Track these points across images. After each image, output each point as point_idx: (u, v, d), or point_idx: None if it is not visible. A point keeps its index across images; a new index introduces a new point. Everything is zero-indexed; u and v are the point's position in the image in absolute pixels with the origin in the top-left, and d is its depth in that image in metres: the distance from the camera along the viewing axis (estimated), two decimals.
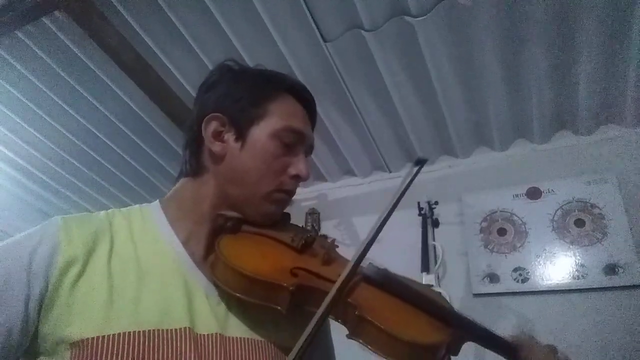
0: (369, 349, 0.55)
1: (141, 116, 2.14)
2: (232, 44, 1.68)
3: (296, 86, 0.74)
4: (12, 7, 1.62)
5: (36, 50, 1.83)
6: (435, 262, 1.93)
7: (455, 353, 0.60)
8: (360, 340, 0.56)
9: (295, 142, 0.70)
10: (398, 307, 0.61)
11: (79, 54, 1.84)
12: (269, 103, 0.69)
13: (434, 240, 1.99)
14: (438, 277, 1.90)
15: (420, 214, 2.01)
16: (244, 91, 0.70)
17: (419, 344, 0.54)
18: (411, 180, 0.67)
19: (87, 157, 2.42)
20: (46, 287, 0.54)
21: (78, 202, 2.80)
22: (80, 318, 0.52)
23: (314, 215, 2.34)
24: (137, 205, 0.71)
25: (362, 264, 0.62)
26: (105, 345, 0.51)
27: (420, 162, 0.70)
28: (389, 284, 0.63)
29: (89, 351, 0.51)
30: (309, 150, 0.75)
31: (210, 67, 1.89)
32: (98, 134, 2.26)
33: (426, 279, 1.86)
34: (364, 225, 2.21)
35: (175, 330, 0.56)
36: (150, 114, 2.11)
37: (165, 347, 0.54)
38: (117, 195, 2.74)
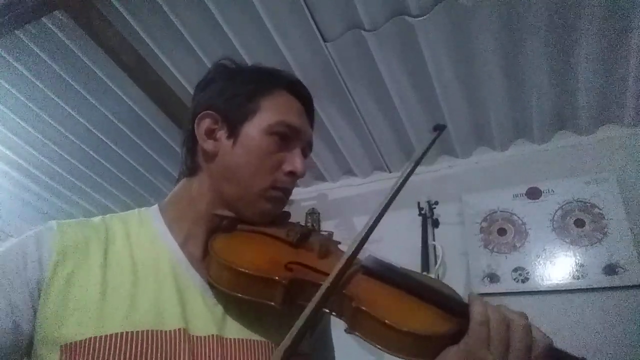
0: (369, 342, 0.53)
1: (141, 116, 2.14)
2: (232, 44, 1.68)
3: (291, 81, 0.72)
4: (12, 7, 1.62)
5: (36, 50, 1.83)
6: (435, 262, 1.93)
7: None
8: (358, 334, 0.53)
9: (290, 138, 0.67)
10: (398, 298, 0.58)
11: (79, 54, 1.84)
12: (262, 99, 0.67)
13: (434, 240, 1.99)
14: (438, 277, 1.89)
15: (420, 214, 2.01)
16: (237, 88, 0.68)
17: (419, 334, 0.51)
18: (429, 147, 0.63)
19: (87, 157, 2.42)
20: (40, 288, 0.54)
21: (78, 202, 2.80)
22: (72, 320, 0.52)
23: (314, 215, 2.34)
24: (135, 209, 0.70)
25: (361, 256, 0.60)
26: (97, 346, 0.51)
27: (440, 128, 0.66)
28: (389, 275, 0.60)
29: (80, 352, 0.50)
30: (308, 147, 0.72)
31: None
32: (98, 134, 2.26)
33: None
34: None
35: (169, 331, 0.55)
36: (150, 114, 2.11)
37: (158, 348, 0.53)
38: (117, 195, 2.74)
